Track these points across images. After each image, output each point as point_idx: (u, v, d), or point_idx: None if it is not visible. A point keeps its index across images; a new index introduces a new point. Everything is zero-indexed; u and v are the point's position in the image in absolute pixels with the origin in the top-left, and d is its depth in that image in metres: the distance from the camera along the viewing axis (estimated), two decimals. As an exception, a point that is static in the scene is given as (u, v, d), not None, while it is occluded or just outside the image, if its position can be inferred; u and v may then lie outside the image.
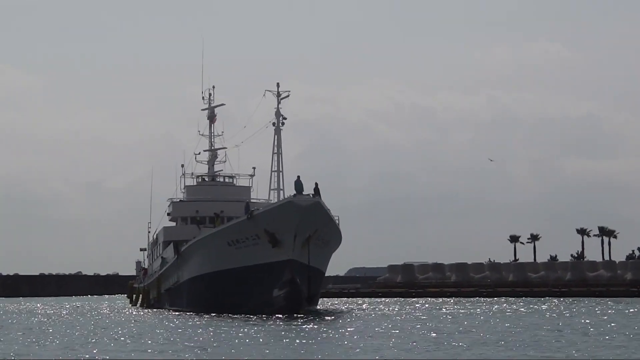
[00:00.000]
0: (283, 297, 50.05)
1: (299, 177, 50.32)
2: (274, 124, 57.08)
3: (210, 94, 78.67)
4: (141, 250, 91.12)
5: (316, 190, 49.72)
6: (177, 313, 57.87)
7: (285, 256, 49.81)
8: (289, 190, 57.20)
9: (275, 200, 57.85)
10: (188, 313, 55.71)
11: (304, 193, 49.26)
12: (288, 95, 56.38)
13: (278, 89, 56.33)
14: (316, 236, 50.52)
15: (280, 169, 56.56)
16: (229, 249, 52.86)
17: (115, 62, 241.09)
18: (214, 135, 77.68)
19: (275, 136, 56.96)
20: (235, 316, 48.19)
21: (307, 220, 48.86)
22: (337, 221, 54.64)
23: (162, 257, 72.01)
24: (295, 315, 47.38)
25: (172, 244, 68.59)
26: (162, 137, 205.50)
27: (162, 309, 68.59)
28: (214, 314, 51.50)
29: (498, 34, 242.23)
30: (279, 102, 56.24)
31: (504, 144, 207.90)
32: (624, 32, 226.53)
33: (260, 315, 47.32)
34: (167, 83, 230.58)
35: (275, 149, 56.87)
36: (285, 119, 56.64)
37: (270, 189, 57.01)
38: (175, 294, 65.57)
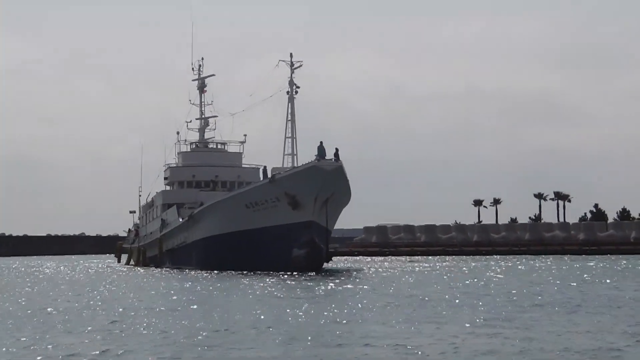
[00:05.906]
0: (303, 257, 52.25)
1: (321, 142, 52.08)
2: (287, 92, 60.48)
3: (200, 65, 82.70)
4: (130, 212, 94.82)
5: (336, 155, 51.30)
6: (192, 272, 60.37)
7: (305, 217, 51.87)
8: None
9: (288, 165, 61.51)
10: (202, 272, 57.03)
11: (326, 158, 51.17)
12: (301, 65, 59.69)
13: (291, 59, 59.73)
14: (332, 199, 52.44)
15: (294, 136, 60.38)
16: (247, 211, 54.72)
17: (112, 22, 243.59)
18: (204, 105, 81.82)
19: (289, 104, 60.32)
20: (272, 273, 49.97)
21: (329, 184, 50.96)
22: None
23: (161, 219, 75.43)
24: (317, 273, 49.20)
25: (175, 206, 72.29)
26: (155, 109, 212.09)
27: (161, 268, 71.71)
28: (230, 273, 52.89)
29: (467, 9, 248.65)
30: (292, 72, 59.40)
31: (469, 115, 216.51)
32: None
33: (290, 273, 49.32)
34: (161, 55, 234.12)
35: (290, 116, 60.46)
36: (298, 87, 59.88)
37: (284, 154, 60.91)
38: (181, 254, 67.97)
